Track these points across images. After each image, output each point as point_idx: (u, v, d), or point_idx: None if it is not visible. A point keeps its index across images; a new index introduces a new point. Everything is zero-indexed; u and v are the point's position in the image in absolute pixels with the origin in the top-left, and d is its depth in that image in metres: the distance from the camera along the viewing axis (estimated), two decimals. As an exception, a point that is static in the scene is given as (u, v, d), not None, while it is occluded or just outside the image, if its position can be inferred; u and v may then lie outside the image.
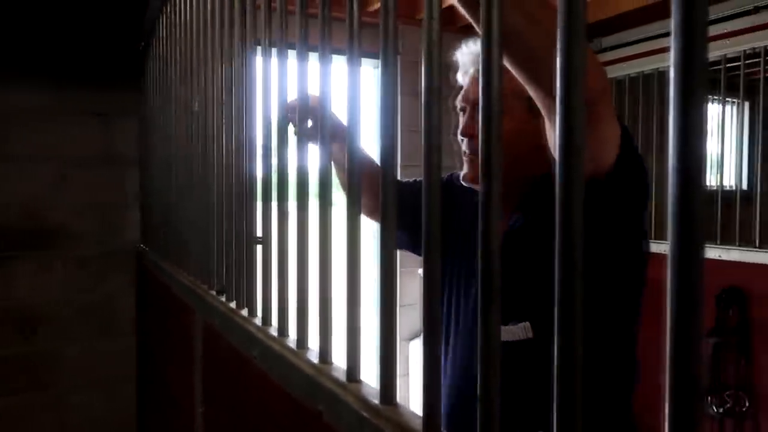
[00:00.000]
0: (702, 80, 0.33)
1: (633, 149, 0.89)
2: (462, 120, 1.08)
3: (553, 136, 0.82)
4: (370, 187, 1.10)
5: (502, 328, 0.95)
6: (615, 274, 0.94)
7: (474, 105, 1.06)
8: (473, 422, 0.46)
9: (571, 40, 0.38)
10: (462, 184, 1.10)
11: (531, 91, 0.76)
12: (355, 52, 0.67)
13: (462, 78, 1.11)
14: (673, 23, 0.33)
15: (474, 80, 1.07)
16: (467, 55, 1.09)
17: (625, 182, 0.88)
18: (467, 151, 1.06)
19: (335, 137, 1.14)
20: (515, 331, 0.98)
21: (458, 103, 1.10)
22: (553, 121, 0.79)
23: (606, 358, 0.96)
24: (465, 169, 1.08)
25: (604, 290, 0.89)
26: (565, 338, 0.39)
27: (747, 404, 2.26)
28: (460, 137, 1.08)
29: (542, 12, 0.68)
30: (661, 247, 2.57)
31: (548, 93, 0.73)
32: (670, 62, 0.33)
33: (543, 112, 0.80)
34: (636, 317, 1.03)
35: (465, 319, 1.10)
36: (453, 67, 1.11)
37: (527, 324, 0.97)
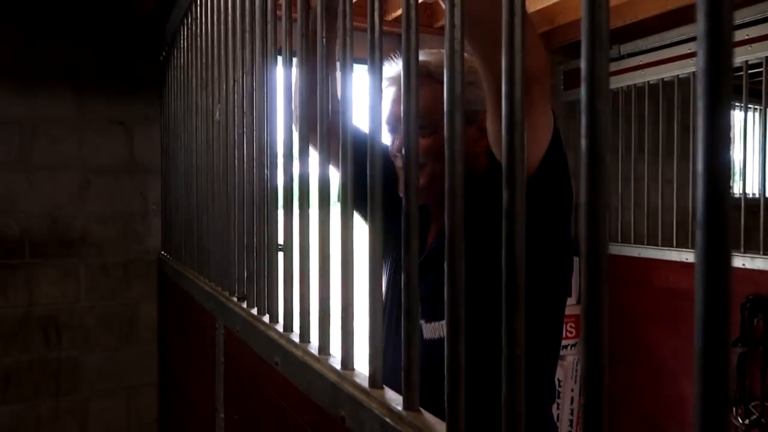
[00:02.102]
0: (728, 87, 0.33)
1: (561, 152, 0.92)
2: (398, 137, 1.12)
3: (493, 129, 0.87)
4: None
5: (430, 324, 1.05)
6: (536, 281, 0.99)
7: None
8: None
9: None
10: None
11: (484, 75, 0.82)
12: (377, 60, 0.67)
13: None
14: (698, 31, 0.33)
15: (396, 100, 1.12)
16: (386, 80, 1.12)
17: (549, 189, 0.92)
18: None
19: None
20: (437, 328, 1.05)
21: (387, 123, 1.15)
22: (496, 111, 0.83)
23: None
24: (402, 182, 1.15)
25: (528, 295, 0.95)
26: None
27: (773, 416, 2.21)
28: (395, 153, 1.12)
29: None
30: (682, 255, 2.54)
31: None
32: (696, 68, 0.33)
33: (489, 102, 0.84)
34: (559, 322, 1.10)
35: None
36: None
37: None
